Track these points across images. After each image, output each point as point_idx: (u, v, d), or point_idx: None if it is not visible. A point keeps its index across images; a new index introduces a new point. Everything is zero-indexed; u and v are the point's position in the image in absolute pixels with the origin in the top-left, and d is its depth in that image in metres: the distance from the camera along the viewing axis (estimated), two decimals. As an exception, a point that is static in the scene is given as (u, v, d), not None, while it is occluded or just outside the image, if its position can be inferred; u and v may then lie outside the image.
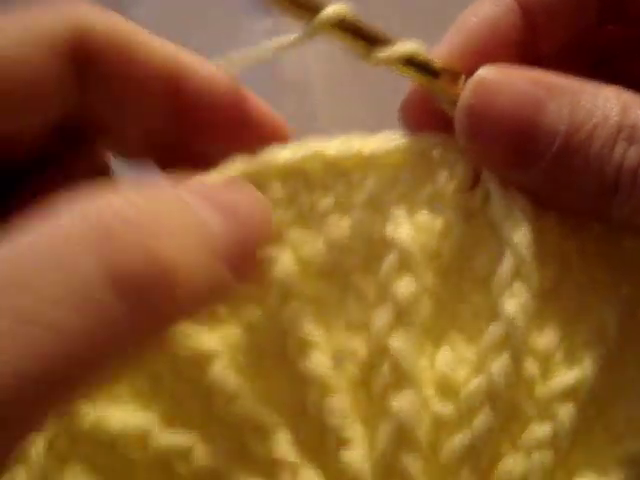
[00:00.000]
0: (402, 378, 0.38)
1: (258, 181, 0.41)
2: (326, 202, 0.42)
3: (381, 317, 0.39)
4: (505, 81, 0.39)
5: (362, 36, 0.41)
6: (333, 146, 0.42)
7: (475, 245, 0.41)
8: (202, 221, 0.33)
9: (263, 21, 0.87)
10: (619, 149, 0.37)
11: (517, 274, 0.38)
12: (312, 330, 0.39)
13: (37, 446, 0.37)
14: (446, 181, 0.41)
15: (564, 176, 0.38)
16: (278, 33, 0.86)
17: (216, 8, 0.88)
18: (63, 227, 0.29)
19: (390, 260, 0.39)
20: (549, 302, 0.40)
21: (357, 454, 0.38)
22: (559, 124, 0.37)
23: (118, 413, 0.39)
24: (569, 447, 0.39)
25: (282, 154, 0.41)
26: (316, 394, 0.39)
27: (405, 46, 0.40)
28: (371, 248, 0.41)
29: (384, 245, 0.40)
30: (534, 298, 0.38)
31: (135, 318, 0.29)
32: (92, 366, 0.29)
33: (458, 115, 0.39)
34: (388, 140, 0.42)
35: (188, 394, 0.40)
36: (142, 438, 0.39)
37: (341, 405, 0.38)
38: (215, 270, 0.33)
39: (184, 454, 0.39)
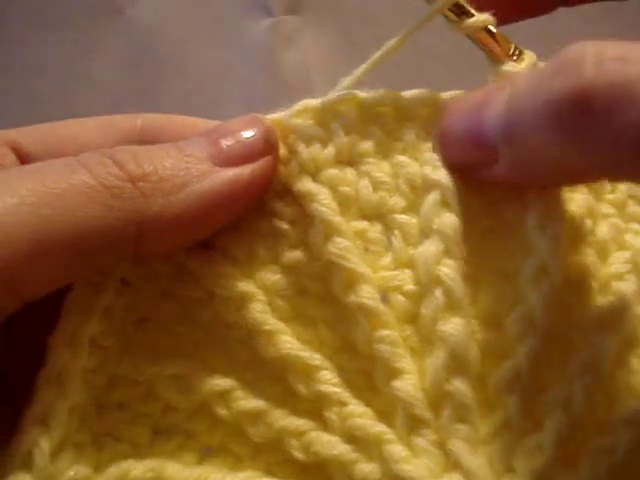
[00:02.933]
0: (454, 304, 0.38)
1: (290, 123, 0.42)
2: (366, 145, 0.42)
3: (430, 248, 0.39)
4: (463, 97, 0.41)
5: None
6: (366, 94, 0.42)
7: (504, 194, 0.42)
8: (169, 144, 0.40)
9: (263, 21, 0.87)
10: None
11: (547, 215, 0.40)
12: (359, 263, 0.40)
13: (42, 451, 0.37)
14: None
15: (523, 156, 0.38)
16: (278, 33, 0.86)
17: (216, 8, 0.88)
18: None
19: (433, 197, 0.40)
20: (580, 239, 0.41)
21: (409, 383, 0.38)
22: (500, 111, 0.37)
23: (153, 359, 0.40)
24: (609, 374, 0.39)
25: (316, 100, 0.42)
26: (366, 326, 0.39)
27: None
28: (412, 189, 0.41)
29: (424, 186, 0.41)
30: (564, 235, 0.40)
31: (101, 180, 0.36)
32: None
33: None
34: (419, 94, 0.42)
35: (226, 339, 0.41)
36: (182, 383, 0.40)
37: (391, 336, 0.39)
38: (183, 160, 0.39)
39: (223, 397, 0.39)
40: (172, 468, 0.38)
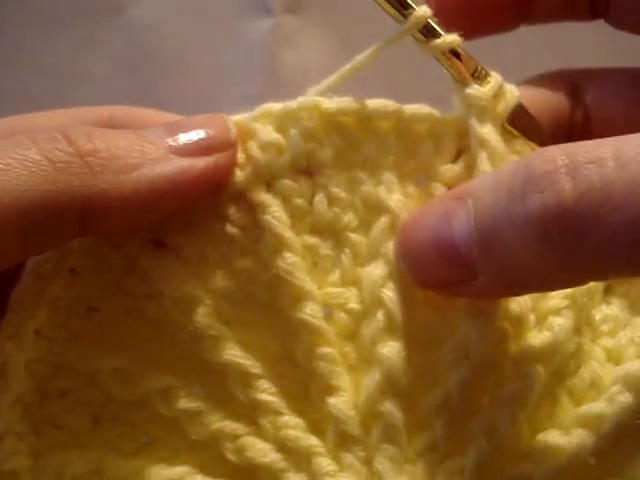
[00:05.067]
0: (392, 327, 0.40)
1: (248, 126, 0.42)
2: (325, 155, 0.42)
3: (375, 270, 0.41)
4: (418, 214, 0.40)
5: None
6: (330, 101, 0.42)
7: None
8: (147, 130, 0.40)
9: (263, 21, 0.87)
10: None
11: None
12: (306, 280, 0.41)
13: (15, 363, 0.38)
14: (431, 154, 0.42)
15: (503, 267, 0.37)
16: (278, 33, 0.86)
17: (216, 8, 0.88)
18: None
19: (382, 222, 0.41)
20: None
21: (343, 401, 0.40)
22: (468, 225, 0.37)
23: (99, 350, 0.41)
24: (536, 405, 0.41)
25: (278, 105, 0.42)
26: (307, 342, 0.40)
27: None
28: (366, 208, 0.42)
29: (378, 207, 0.41)
30: None
31: (48, 155, 0.36)
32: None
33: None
34: (383, 106, 0.42)
35: (170, 337, 0.41)
36: (124, 376, 0.40)
37: (331, 354, 0.40)
38: (137, 143, 0.39)
39: (164, 393, 0.40)
40: (111, 460, 0.39)
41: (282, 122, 0.42)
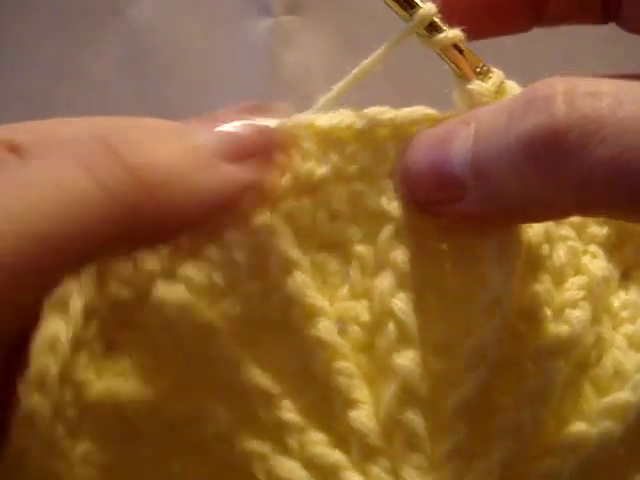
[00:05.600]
0: (406, 337, 0.40)
1: None
2: (321, 171, 0.42)
3: (384, 281, 0.40)
4: (423, 134, 0.40)
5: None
6: (324, 118, 0.42)
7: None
8: (173, 125, 0.38)
9: (263, 21, 0.87)
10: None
11: (504, 247, 0.40)
12: (317, 298, 0.40)
13: (44, 412, 0.37)
14: None
15: (490, 193, 0.37)
16: (278, 33, 0.86)
17: (216, 8, 0.88)
18: None
19: (388, 231, 0.41)
20: (537, 265, 0.42)
21: (364, 414, 0.40)
22: (465, 147, 0.37)
23: (125, 385, 0.40)
24: (559, 399, 0.41)
25: (272, 124, 0.42)
26: (324, 359, 0.40)
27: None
28: (369, 218, 0.42)
29: (381, 216, 0.41)
30: (519, 263, 0.41)
31: (95, 175, 0.34)
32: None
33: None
34: (378, 114, 0.42)
35: (191, 366, 0.41)
36: (151, 408, 0.40)
37: (348, 368, 0.40)
38: (187, 149, 0.37)
39: (192, 422, 0.40)
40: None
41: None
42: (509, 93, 0.42)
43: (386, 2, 0.41)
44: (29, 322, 0.35)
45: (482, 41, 0.44)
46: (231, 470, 0.41)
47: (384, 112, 0.42)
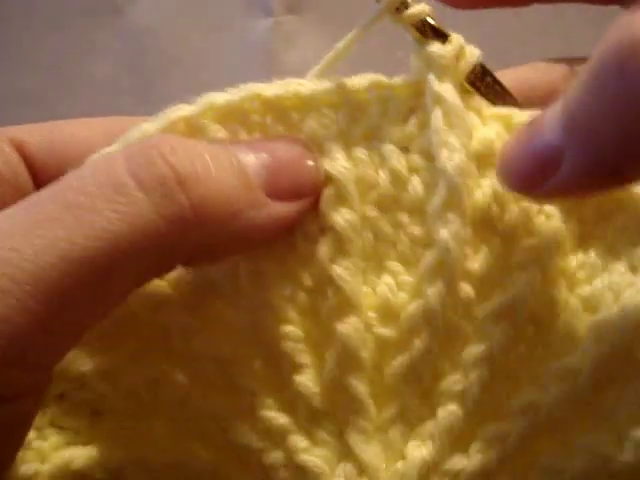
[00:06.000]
0: (346, 304, 0.40)
1: (197, 124, 0.41)
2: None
3: (322, 247, 0.40)
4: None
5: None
6: (271, 87, 0.42)
7: (411, 175, 0.42)
8: (231, 152, 0.38)
9: (263, 21, 0.86)
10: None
11: (450, 203, 0.40)
12: (266, 261, 0.41)
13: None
14: (379, 116, 0.42)
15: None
16: (278, 33, 0.86)
17: (216, 8, 0.88)
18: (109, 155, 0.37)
19: (327, 193, 0.41)
20: (484, 228, 0.41)
21: (308, 378, 0.40)
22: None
23: (85, 354, 0.41)
24: (508, 363, 0.41)
25: (220, 96, 0.42)
26: (271, 322, 0.41)
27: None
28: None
29: (325, 178, 0.41)
30: (467, 225, 0.40)
31: (161, 211, 0.33)
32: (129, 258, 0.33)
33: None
34: (325, 82, 0.42)
35: (147, 334, 0.42)
36: (112, 374, 0.41)
37: (294, 332, 0.41)
38: (243, 187, 0.37)
39: (152, 386, 0.41)
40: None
41: (227, 116, 0.42)
42: (468, 58, 0.42)
43: None
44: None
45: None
46: (190, 432, 0.42)
47: (330, 81, 0.42)
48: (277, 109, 0.42)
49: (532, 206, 0.41)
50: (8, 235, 0.32)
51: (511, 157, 0.38)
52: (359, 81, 0.42)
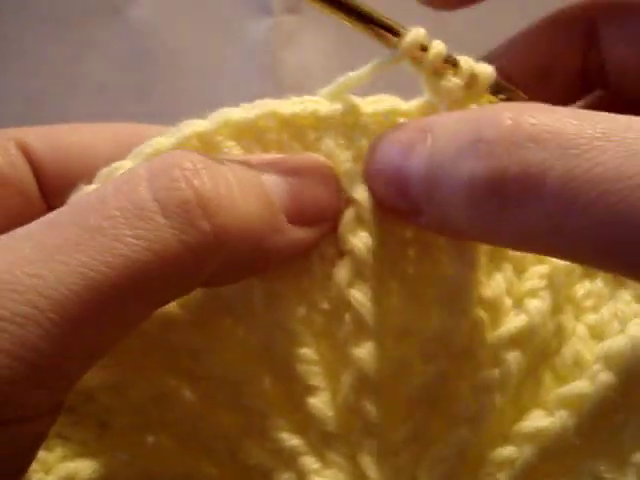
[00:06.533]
0: (362, 329, 0.40)
1: (212, 140, 0.41)
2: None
3: (341, 271, 0.40)
4: (385, 138, 0.39)
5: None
6: (287, 105, 0.42)
7: None
8: (254, 173, 0.37)
9: (263, 21, 0.86)
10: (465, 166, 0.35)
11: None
12: (280, 282, 0.40)
13: None
14: None
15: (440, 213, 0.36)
16: (278, 33, 0.85)
17: (216, 8, 0.88)
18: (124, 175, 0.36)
19: (347, 216, 0.40)
20: (496, 253, 0.42)
21: (322, 401, 0.40)
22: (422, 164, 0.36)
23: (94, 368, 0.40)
24: (518, 389, 0.41)
25: (235, 112, 0.41)
26: (285, 344, 0.40)
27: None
28: None
29: (344, 202, 0.40)
30: (481, 251, 0.41)
31: (183, 238, 0.33)
32: (152, 285, 0.33)
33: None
34: (340, 102, 0.42)
35: (155, 351, 0.41)
36: (120, 388, 0.41)
37: (308, 354, 0.40)
38: (266, 212, 0.37)
39: (159, 401, 0.41)
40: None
41: (242, 132, 0.41)
42: (481, 80, 0.41)
43: (371, 30, 0.40)
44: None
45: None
46: (197, 448, 0.42)
47: (348, 100, 0.41)
48: (293, 127, 0.42)
49: None
50: (28, 260, 0.31)
51: (381, 176, 0.39)
52: (376, 105, 0.42)
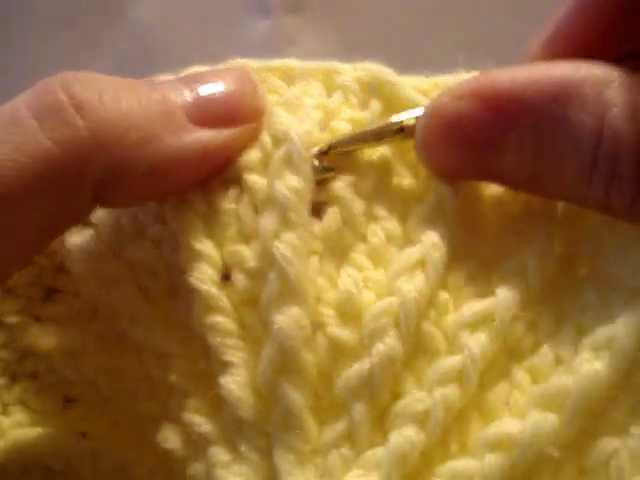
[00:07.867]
0: (288, 290, 0.32)
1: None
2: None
3: (268, 221, 0.34)
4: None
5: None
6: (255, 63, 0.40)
7: (394, 172, 0.37)
8: (147, 82, 0.36)
9: (263, 21, 0.86)
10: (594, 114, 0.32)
11: (438, 209, 0.35)
12: (200, 240, 0.35)
13: None
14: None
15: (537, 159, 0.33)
16: (278, 33, 0.86)
17: (216, 8, 0.88)
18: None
19: (279, 154, 0.35)
20: (470, 240, 0.36)
21: (236, 381, 0.34)
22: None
23: (51, 337, 0.40)
24: (486, 390, 0.34)
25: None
26: (198, 312, 0.35)
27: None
28: (274, 142, 0.36)
29: (274, 141, 0.36)
30: (452, 232, 0.35)
31: (55, 137, 0.32)
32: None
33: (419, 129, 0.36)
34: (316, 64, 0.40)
35: (104, 320, 0.40)
36: (77, 357, 0.40)
37: (222, 324, 0.34)
38: (156, 110, 0.34)
39: (109, 375, 0.40)
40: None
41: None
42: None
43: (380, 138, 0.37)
44: None
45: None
46: (134, 430, 0.40)
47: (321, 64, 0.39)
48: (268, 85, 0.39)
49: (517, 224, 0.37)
50: None
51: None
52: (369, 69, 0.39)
